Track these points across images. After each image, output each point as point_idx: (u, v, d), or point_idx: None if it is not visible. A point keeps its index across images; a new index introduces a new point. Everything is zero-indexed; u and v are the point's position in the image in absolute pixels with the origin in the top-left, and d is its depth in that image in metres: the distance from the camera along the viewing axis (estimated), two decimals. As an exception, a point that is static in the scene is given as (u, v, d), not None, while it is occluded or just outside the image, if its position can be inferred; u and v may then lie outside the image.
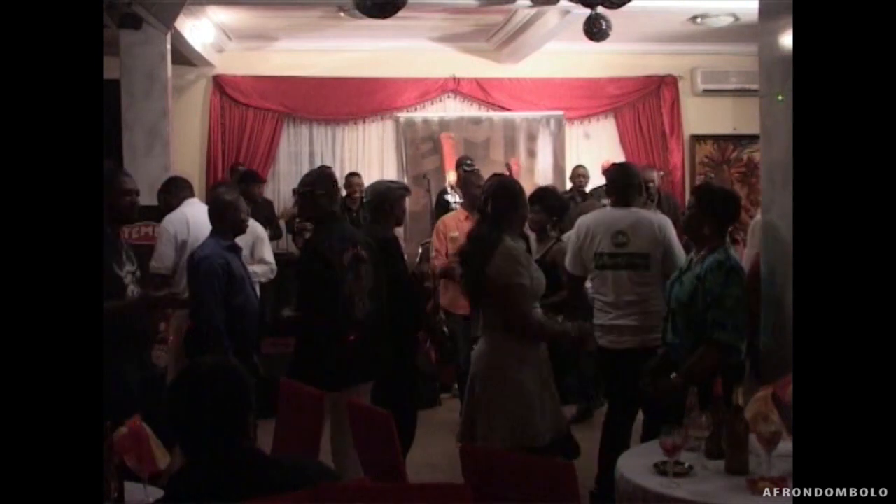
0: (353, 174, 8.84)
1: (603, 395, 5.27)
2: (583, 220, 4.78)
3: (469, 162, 8.50)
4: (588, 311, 4.82)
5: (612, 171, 4.92)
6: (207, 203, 5.22)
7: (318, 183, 4.70)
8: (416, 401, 5.13)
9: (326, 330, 4.47)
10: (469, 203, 6.72)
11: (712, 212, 4.02)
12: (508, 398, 3.96)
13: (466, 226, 6.49)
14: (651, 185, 8.95)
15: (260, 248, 6.22)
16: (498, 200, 4.08)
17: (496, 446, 3.89)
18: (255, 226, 6.06)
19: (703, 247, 4.02)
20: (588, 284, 4.90)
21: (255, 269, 5.90)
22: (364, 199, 5.16)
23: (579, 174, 9.22)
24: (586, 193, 8.73)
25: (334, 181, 4.81)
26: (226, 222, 4.91)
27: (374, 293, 4.58)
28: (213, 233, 4.94)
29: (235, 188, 5.56)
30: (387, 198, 5.03)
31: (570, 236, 5.01)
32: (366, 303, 4.52)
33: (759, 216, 5.22)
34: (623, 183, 4.73)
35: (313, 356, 4.48)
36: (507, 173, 8.46)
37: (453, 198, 8.22)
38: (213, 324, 4.65)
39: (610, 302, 4.59)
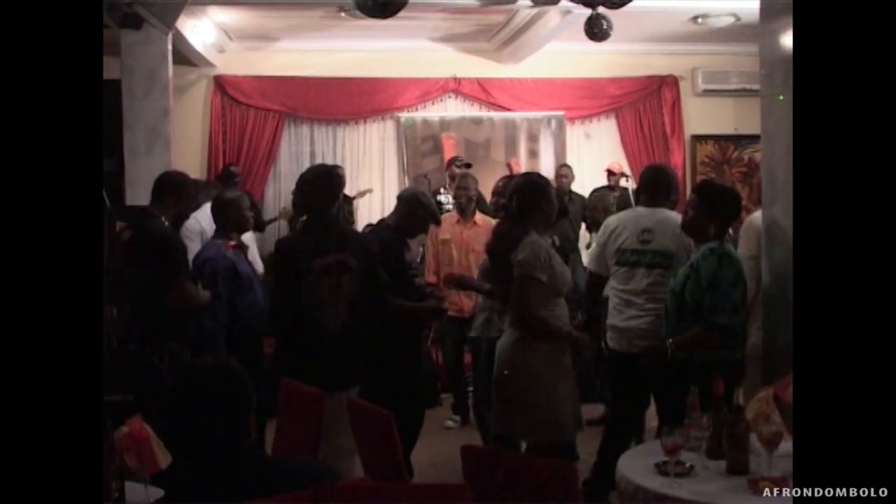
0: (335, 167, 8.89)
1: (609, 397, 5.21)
2: (610, 219, 4.79)
3: (459, 161, 8.43)
4: (599, 314, 4.79)
5: (645, 171, 4.96)
6: (211, 203, 5.25)
7: (308, 179, 4.47)
8: (421, 399, 5.13)
9: (293, 339, 4.28)
10: (459, 206, 6.66)
11: (717, 212, 4.05)
12: (541, 397, 4.05)
13: (458, 229, 6.47)
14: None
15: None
16: (523, 197, 4.17)
17: (531, 441, 4.05)
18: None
19: (698, 239, 4.07)
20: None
21: None
22: (399, 197, 5.15)
23: (562, 174, 9.02)
24: (572, 193, 8.64)
25: (328, 178, 4.51)
26: (229, 220, 4.91)
27: (358, 303, 4.33)
28: (217, 232, 4.94)
29: (218, 187, 5.65)
30: (419, 210, 5.01)
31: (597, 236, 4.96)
32: (342, 314, 4.27)
33: (751, 215, 5.23)
34: (653, 182, 4.74)
35: (285, 362, 4.32)
36: (508, 173, 8.42)
37: (447, 198, 8.15)
38: (212, 326, 4.65)
39: (627, 300, 4.54)
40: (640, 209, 4.70)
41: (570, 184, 8.84)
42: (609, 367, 4.75)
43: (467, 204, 6.51)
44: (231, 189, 6.61)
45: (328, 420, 4.00)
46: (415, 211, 5.01)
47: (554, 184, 8.86)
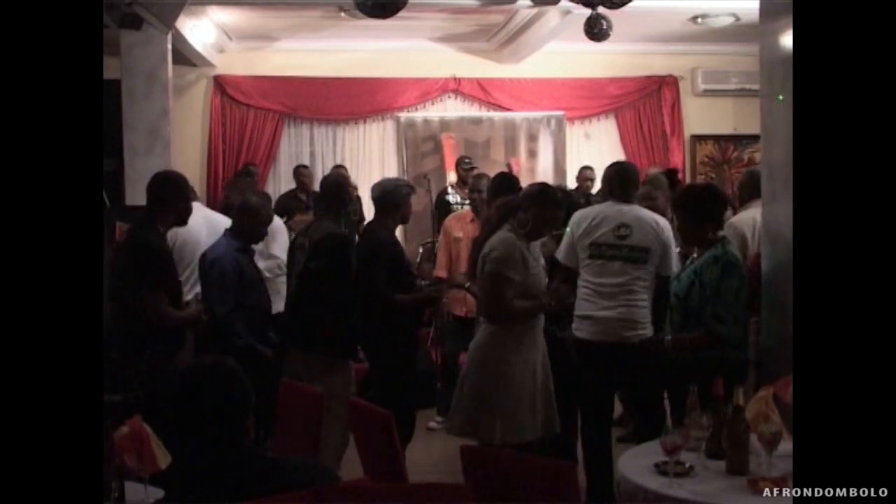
0: (300, 166, 9.02)
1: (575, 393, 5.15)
2: (582, 213, 4.76)
3: (466, 163, 8.44)
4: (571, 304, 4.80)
5: (611, 169, 4.95)
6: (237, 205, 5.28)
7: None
8: (414, 399, 5.15)
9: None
10: (474, 206, 6.70)
11: (704, 216, 4.10)
12: (499, 393, 4.08)
13: (471, 228, 6.51)
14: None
15: (271, 244, 6.12)
16: (527, 201, 4.29)
17: (487, 439, 4.05)
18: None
19: (700, 245, 4.08)
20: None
21: (260, 263, 5.83)
22: (371, 197, 5.20)
23: (585, 177, 8.97)
24: (590, 196, 8.61)
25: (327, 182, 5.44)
26: (244, 225, 4.96)
27: (299, 276, 4.98)
28: (227, 232, 4.97)
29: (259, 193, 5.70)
30: (393, 196, 5.05)
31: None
32: (293, 283, 5.06)
33: (732, 219, 5.22)
34: (623, 180, 4.77)
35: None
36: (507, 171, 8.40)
37: (454, 198, 8.18)
38: (228, 322, 4.68)
39: (600, 291, 4.55)
40: (614, 205, 4.70)
41: (591, 187, 8.76)
42: (578, 357, 4.70)
43: (481, 204, 6.55)
44: (250, 190, 6.55)
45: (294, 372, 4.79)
46: (395, 194, 5.09)
47: (576, 185, 8.89)
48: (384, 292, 4.88)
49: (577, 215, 4.76)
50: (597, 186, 8.93)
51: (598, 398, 4.67)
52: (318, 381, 4.75)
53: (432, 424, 6.62)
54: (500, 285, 4.07)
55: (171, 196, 4.47)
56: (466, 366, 4.26)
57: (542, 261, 4.50)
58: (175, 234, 5.51)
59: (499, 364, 4.08)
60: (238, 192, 6.20)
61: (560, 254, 4.76)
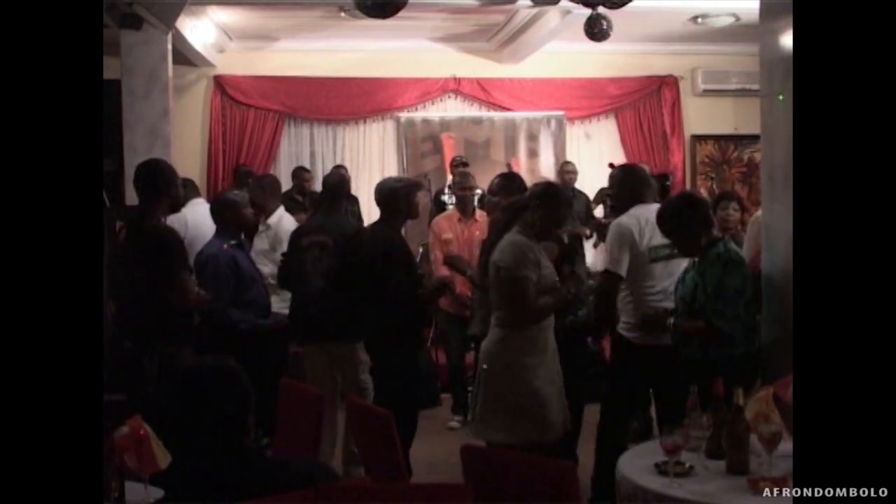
0: (299, 168, 9.00)
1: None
2: (625, 222, 4.64)
3: (457, 159, 8.44)
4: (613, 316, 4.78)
5: (627, 173, 4.95)
6: (211, 203, 5.28)
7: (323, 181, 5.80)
8: (416, 400, 5.16)
9: (294, 295, 5.43)
10: (461, 205, 6.70)
11: (693, 228, 4.11)
12: (522, 396, 4.09)
13: (459, 228, 6.51)
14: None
15: (278, 248, 5.95)
16: (534, 201, 4.26)
17: (508, 440, 4.02)
18: (279, 223, 6.02)
19: (700, 252, 4.09)
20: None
21: (265, 269, 5.77)
22: (375, 200, 5.21)
23: (568, 171, 9.06)
24: (576, 190, 8.67)
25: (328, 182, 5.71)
26: (227, 220, 4.96)
27: (327, 274, 5.12)
28: (217, 231, 4.98)
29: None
30: (392, 196, 5.05)
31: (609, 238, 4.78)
32: (318, 280, 5.16)
33: (757, 214, 5.26)
34: (644, 181, 4.82)
35: (292, 313, 5.45)
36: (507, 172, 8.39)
37: (450, 199, 8.17)
38: (224, 320, 4.69)
39: (667, 291, 4.53)
40: (643, 206, 4.67)
41: (574, 180, 8.87)
42: (634, 360, 4.60)
43: (468, 203, 6.55)
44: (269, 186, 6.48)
45: (309, 368, 5.26)
46: (394, 194, 5.08)
47: (558, 180, 8.91)
48: (411, 291, 4.92)
49: (621, 226, 4.64)
50: (579, 181, 9.01)
51: (633, 398, 4.76)
52: (363, 372, 5.19)
53: (453, 424, 6.62)
54: (522, 288, 4.06)
55: (163, 184, 4.47)
56: (480, 369, 4.25)
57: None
58: (185, 229, 5.56)
59: (511, 366, 4.09)
60: (259, 191, 6.11)
61: (614, 265, 4.60)
